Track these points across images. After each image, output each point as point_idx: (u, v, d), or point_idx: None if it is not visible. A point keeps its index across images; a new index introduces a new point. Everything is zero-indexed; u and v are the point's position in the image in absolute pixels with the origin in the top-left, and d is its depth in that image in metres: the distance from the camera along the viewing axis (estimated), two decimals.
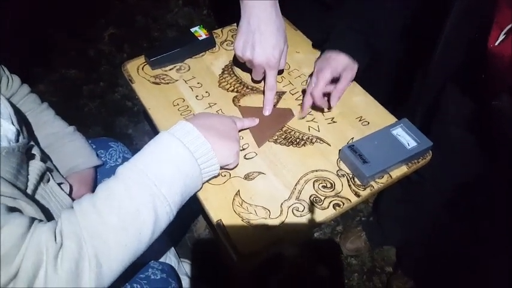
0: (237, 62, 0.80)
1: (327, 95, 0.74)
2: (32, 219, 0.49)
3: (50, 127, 0.80)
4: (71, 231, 0.47)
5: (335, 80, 0.73)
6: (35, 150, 0.65)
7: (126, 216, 0.50)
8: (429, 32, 0.72)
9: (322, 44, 0.79)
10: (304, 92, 0.78)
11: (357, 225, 1.37)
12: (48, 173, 0.66)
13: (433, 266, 1.16)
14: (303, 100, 0.74)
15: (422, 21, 0.77)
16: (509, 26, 0.54)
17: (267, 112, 0.74)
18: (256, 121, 0.72)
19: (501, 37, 0.55)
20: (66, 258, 0.45)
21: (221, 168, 0.63)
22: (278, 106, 0.77)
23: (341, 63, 0.72)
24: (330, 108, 0.73)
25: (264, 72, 0.73)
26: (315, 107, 0.74)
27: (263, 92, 0.77)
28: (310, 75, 0.77)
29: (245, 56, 0.71)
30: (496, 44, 0.55)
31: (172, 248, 1.06)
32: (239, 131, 0.69)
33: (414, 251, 1.27)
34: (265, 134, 0.72)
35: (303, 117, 0.74)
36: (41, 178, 0.63)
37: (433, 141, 0.66)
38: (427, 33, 0.73)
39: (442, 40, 0.68)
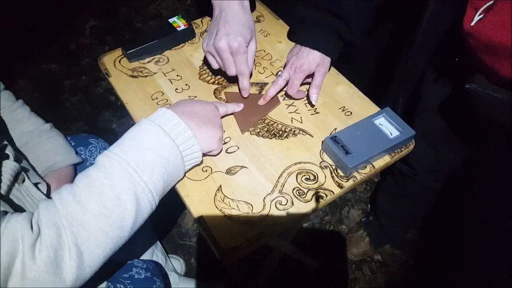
0: (207, 64, 0.75)
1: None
2: (6, 212, 0.47)
3: (25, 125, 0.77)
4: (49, 219, 0.46)
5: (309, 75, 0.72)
6: (9, 150, 0.63)
7: (106, 203, 0.49)
8: (408, 17, 0.70)
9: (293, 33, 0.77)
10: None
11: (358, 229, 1.35)
12: (23, 172, 0.64)
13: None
14: (268, 89, 0.73)
15: (399, 7, 0.75)
16: (485, 6, 0.53)
17: (244, 95, 0.73)
18: (241, 106, 0.71)
19: (476, 18, 0.54)
20: (45, 247, 0.44)
21: (204, 155, 0.62)
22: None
23: (315, 61, 0.70)
24: (312, 106, 0.72)
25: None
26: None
27: None
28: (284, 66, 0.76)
29: (209, 46, 0.69)
30: (472, 24, 0.54)
31: (159, 244, 1.04)
32: (223, 116, 0.68)
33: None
34: (249, 120, 0.70)
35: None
36: (15, 178, 0.61)
37: (416, 131, 0.65)
38: (406, 17, 0.71)
39: (423, 24, 0.66)
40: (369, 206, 1.45)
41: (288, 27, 0.87)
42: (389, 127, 0.65)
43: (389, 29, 0.90)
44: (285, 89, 0.74)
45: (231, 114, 0.71)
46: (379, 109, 0.70)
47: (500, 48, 0.52)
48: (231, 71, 0.70)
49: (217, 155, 0.64)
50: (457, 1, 0.58)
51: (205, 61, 0.81)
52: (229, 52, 0.67)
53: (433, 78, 0.75)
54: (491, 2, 0.53)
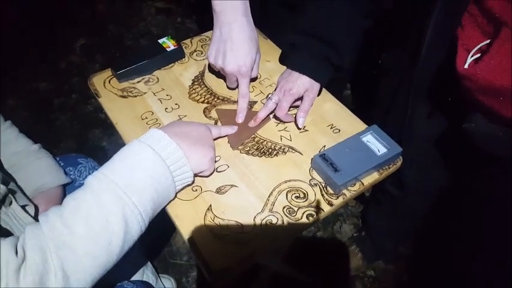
0: (211, 70, 0.80)
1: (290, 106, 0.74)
2: None
3: (14, 146, 0.76)
4: (35, 243, 0.45)
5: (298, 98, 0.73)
6: None
7: (94, 226, 0.48)
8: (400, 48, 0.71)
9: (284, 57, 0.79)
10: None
11: (350, 244, 1.35)
12: (10, 195, 0.63)
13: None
14: (258, 112, 0.73)
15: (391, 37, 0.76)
16: (477, 48, 0.52)
17: (239, 120, 0.74)
18: (235, 128, 0.71)
19: (469, 59, 0.52)
20: (29, 272, 0.43)
21: (196, 175, 0.61)
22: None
23: (303, 86, 0.71)
24: (298, 128, 0.73)
25: (237, 80, 0.73)
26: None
27: (234, 102, 0.76)
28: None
29: (217, 64, 0.72)
30: (466, 66, 0.52)
31: (150, 264, 1.03)
32: (215, 138, 0.68)
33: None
34: (240, 137, 0.71)
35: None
36: (2, 202, 0.61)
37: (407, 157, 0.65)
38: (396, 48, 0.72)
39: (421, 59, 0.64)
40: (361, 221, 1.45)
41: (276, 47, 0.89)
42: (376, 144, 0.66)
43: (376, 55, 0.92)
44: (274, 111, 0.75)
45: (225, 136, 0.71)
46: (367, 126, 0.72)
47: (501, 90, 0.51)
48: (233, 86, 0.76)
49: (209, 175, 0.64)
50: (447, 41, 0.57)
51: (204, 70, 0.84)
52: (235, 75, 0.72)
53: (427, 113, 0.74)
54: (485, 42, 0.51)
